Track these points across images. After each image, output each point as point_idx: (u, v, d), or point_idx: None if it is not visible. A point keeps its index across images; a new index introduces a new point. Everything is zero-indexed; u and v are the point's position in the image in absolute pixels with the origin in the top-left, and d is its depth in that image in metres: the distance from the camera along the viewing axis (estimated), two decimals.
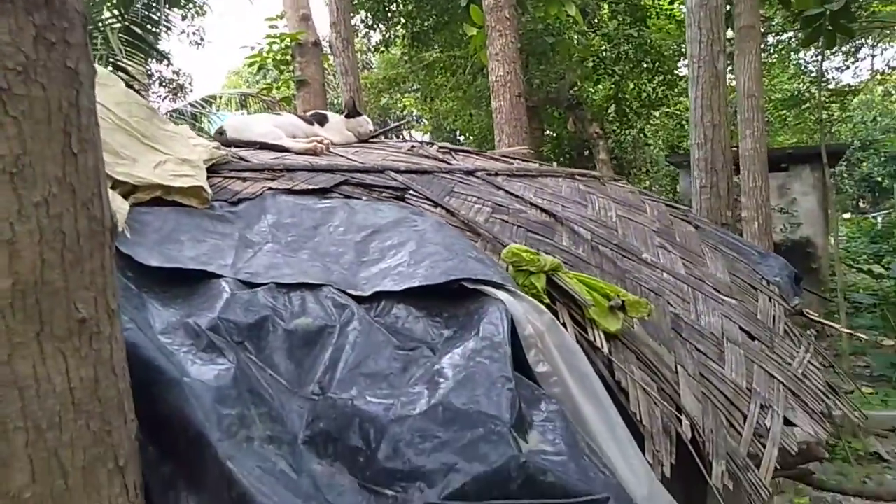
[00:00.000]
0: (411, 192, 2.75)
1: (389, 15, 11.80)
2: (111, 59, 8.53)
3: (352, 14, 12.13)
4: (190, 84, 15.74)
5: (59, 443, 1.04)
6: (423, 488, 1.18)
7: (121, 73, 7.70)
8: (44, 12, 1.05)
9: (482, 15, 7.85)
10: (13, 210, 0.99)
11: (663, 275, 2.98)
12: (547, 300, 2.10)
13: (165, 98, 15.35)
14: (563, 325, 2.07)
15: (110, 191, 1.90)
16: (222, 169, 2.51)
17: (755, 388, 2.70)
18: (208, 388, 1.27)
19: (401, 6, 11.53)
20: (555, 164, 4.24)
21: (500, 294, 1.67)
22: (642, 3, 12.52)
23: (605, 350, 2.05)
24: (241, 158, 2.73)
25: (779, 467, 3.53)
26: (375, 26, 12.46)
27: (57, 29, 1.07)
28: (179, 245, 1.84)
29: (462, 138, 17.10)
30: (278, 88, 9.98)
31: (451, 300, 1.74)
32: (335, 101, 14.04)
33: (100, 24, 8.40)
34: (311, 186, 2.48)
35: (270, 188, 2.39)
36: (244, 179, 2.46)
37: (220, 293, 1.62)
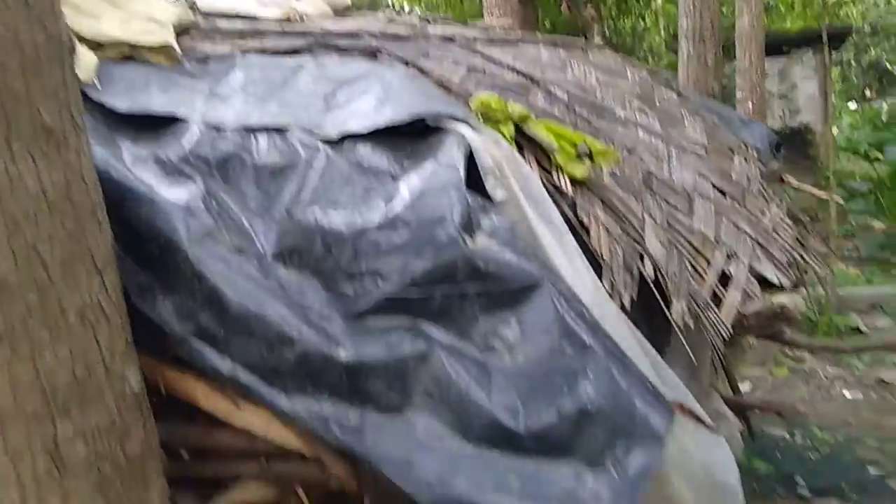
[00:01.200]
0: (384, 53, 2.74)
1: None
2: None
3: None
4: None
5: (37, 237, 1.13)
6: (379, 283, 1.29)
7: None
8: None
9: None
10: None
11: (639, 134, 3.02)
12: (515, 147, 2.15)
13: None
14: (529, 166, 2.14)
15: (77, 43, 1.92)
16: (191, 32, 2.50)
17: (722, 239, 2.80)
18: (178, 206, 1.36)
19: None
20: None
21: (461, 127, 1.73)
22: None
23: (570, 193, 2.13)
24: (211, 24, 2.70)
25: (752, 324, 3.72)
26: None
27: None
28: (149, 95, 1.88)
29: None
30: None
31: (414, 138, 1.80)
32: None
33: None
34: (282, 47, 2.48)
35: (241, 49, 2.39)
36: (213, 41, 2.46)
37: (189, 132, 1.68)
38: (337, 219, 1.44)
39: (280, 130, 1.80)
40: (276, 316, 1.22)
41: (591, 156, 2.30)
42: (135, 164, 1.50)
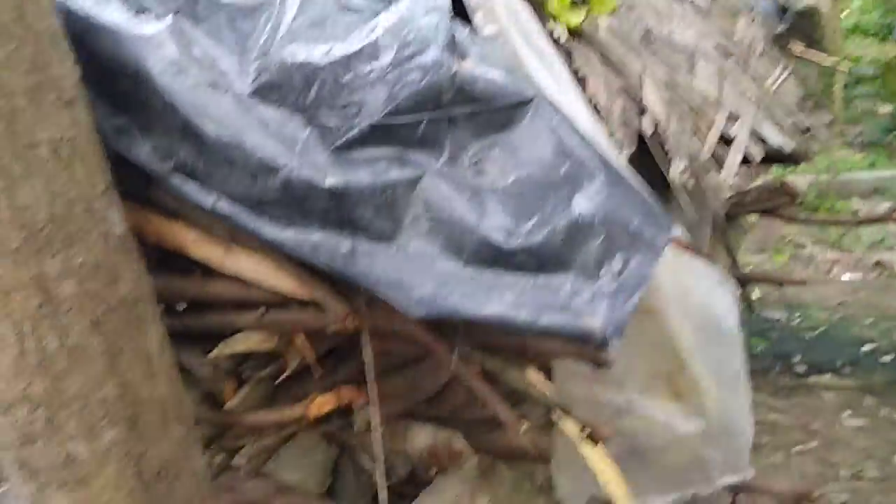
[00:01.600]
0: None
1: None
2: None
3: None
4: None
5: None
6: (362, 112, 1.23)
7: None
8: None
9: None
10: None
11: None
12: None
13: None
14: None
15: None
16: None
17: (724, 100, 2.71)
18: (146, 38, 1.28)
19: None
20: None
21: None
22: None
23: (565, 42, 2.03)
24: None
25: (753, 199, 3.67)
26: None
27: None
28: None
29: None
30: None
31: None
32: None
33: None
34: None
35: None
36: None
37: None
38: (316, 53, 1.36)
39: None
40: (257, 145, 1.16)
41: (587, 3, 2.17)
42: (96, 4, 1.40)
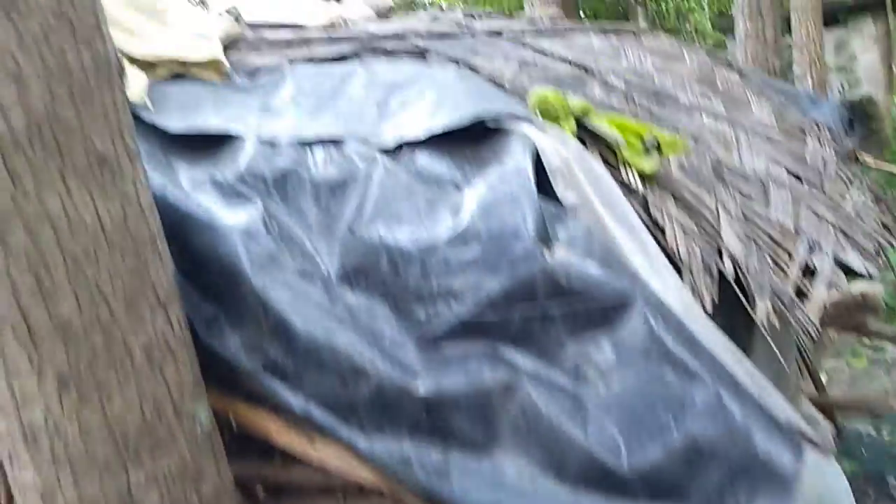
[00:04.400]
0: (433, 52, 2.65)
1: None
2: None
3: None
4: None
5: (99, 277, 1.08)
6: (452, 306, 1.20)
7: None
8: None
9: None
10: (13, 42, 0.99)
11: (703, 120, 2.84)
12: (578, 143, 2.03)
13: None
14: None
15: (128, 65, 1.89)
16: (239, 45, 2.46)
17: (802, 229, 2.61)
18: (238, 230, 1.30)
19: None
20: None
21: (525, 128, 1.62)
22: None
23: (640, 190, 2.00)
24: (258, 35, 2.66)
25: (832, 315, 3.48)
26: None
27: None
28: (202, 113, 1.84)
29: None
30: None
31: (474, 141, 1.70)
32: None
33: None
34: (330, 55, 2.42)
35: (289, 59, 2.34)
36: (261, 53, 2.41)
37: (245, 150, 1.62)
38: (402, 235, 1.36)
39: (336, 142, 1.73)
40: (348, 346, 1.14)
41: (658, 147, 2.15)
42: (192, 187, 1.45)
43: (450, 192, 1.48)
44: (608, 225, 1.51)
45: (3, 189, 1.00)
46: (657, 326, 1.09)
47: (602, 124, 2.10)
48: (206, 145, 1.71)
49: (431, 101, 1.90)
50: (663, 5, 13.85)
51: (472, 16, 3.72)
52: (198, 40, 2.16)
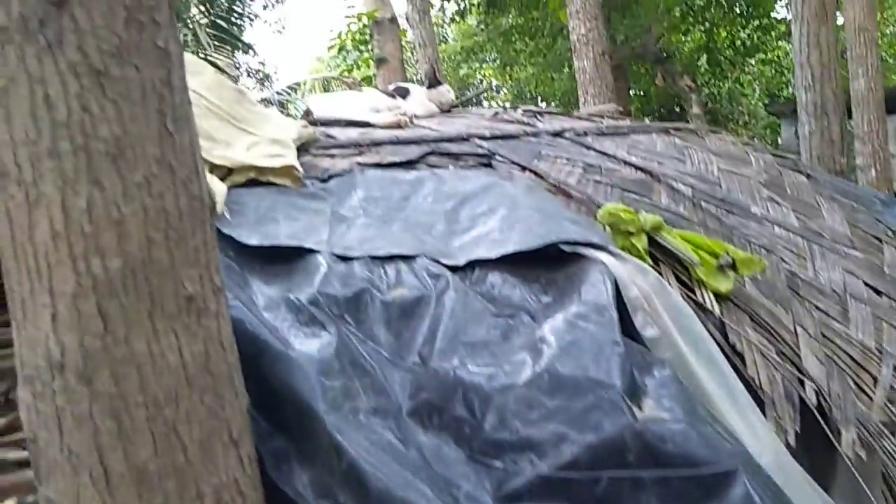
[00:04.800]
0: (498, 157, 2.68)
1: None
2: (201, 55, 8.85)
3: None
4: (276, 73, 16.27)
5: (177, 418, 1.06)
6: (533, 460, 1.13)
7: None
8: None
9: None
10: (118, 192, 1.01)
11: (775, 229, 2.76)
12: (650, 262, 1.99)
13: (253, 88, 15.91)
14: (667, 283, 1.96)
15: (208, 174, 1.95)
16: (311, 147, 2.53)
17: (886, 348, 2.46)
18: (313, 361, 1.28)
19: None
20: (645, 120, 4.01)
21: (601, 255, 1.58)
22: None
23: (717, 312, 1.92)
24: (329, 136, 2.75)
25: None
26: None
27: (145, 9, 1.07)
28: (276, 223, 1.87)
29: (544, 105, 16.69)
30: (358, 68, 10.08)
31: (548, 265, 1.68)
32: (413, 78, 14.03)
33: (188, 21, 8.73)
34: (397, 159, 2.46)
35: (358, 163, 2.39)
36: (332, 156, 2.47)
37: (318, 267, 1.63)
38: (477, 370, 1.31)
39: (406, 258, 1.72)
40: (423, 501, 1.08)
41: (733, 266, 2.08)
42: (267, 308, 1.45)
43: (525, 324, 1.44)
44: (690, 362, 1.44)
45: (93, 332, 1.01)
46: (758, 498, 1.00)
47: (675, 241, 2.05)
48: (281, 258, 1.73)
49: (502, 217, 1.89)
50: (715, 89, 13.96)
51: (533, 113, 3.78)
52: (274, 147, 2.23)
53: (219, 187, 1.91)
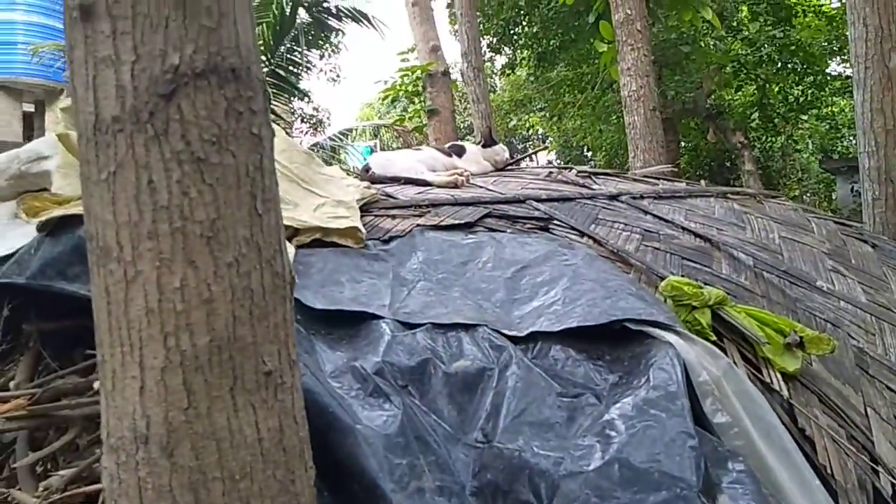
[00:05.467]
0: (555, 221, 2.69)
1: (515, 38, 11.86)
2: None
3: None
4: (328, 118, 16.76)
5: (250, 492, 1.08)
6: None
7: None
8: (232, 85, 1.12)
9: (612, 30, 7.66)
10: (210, 272, 1.06)
11: (840, 303, 2.68)
12: (713, 337, 1.95)
13: (307, 133, 16.44)
14: (734, 364, 1.91)
15: None
16: (373, 207, 2.60)
17: None
18: (379, 436, 1.29)
19: (526, 28, 11.55)
20: (702, 182, 3.93)
21: (668, 336, 1.56)
22: (787, 1, 11.62)
23: (785, 393, 1.86)
24: (389, 196, 2.81)
25: None
26: (501, 49, 12.56)
27: (243, 99, 1.14)
28: (340, 286, 1.91)
29: (590, 154, 16.73)
30: (410, 119, 10.33)
31: (612, 342, 1.66)
32: (462, 126, 14.30)
33: None
34: (456, 221, 2.50)
35: (419, 225, 2.43)
36: (393, 217, 2.53)
37: (382, 335, 1.65)
38: (542, 454, 1.30)
39: (467, 327, 1.73)
40: None
41: (801, 344, 2.02)
42: (333, 376, 1.47)
43: (591, 405, 1.43)
44: (763, 453, 1.40)
45: (178, 407, 1.04)
46: None
47: (741, 318, 2.01)
48: (345, 322, 1.76)
49: (564, 288, 1.89)
50: (768, 145, 13.77)
51: (588, 174, 3.80)
52: (338, 208, 2.29)
53: (288, 247, 1.97)
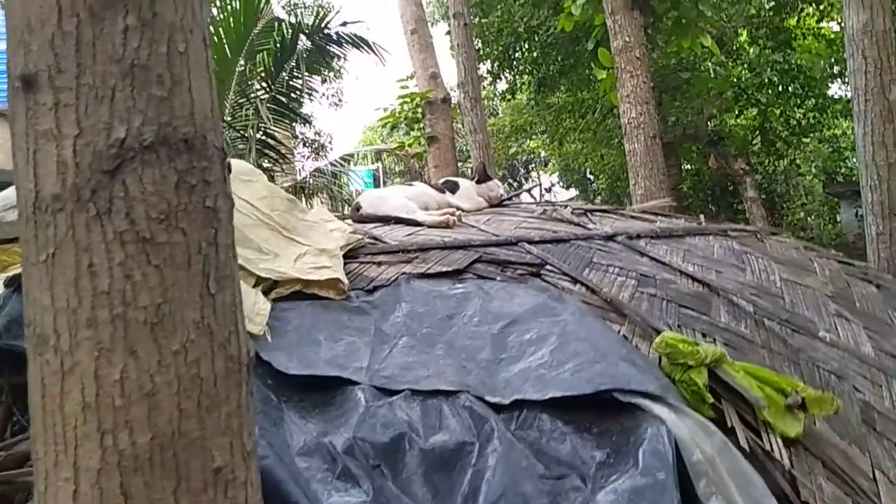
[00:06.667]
0: (548, 266, 2.60)
1: (515, 63, 11.88)
2: (261, 127, 9.20)
3: (478, 64, 12.37)
4: (330, 143, 16.79)
5: None
6: None
7: (269, 139, 8.24)
8: (185, 156, 1.04)
9: (611, 57, 7.64)
10: (154, 361, 0.97)
11: (844, 352, 2.57)
12: (710, 399, 1.85)
13: (308, 157, 16.46)
14: (732, 428, 1.81)
15: (253, 291, 1.94)
16: (359, 253, 2.52)
17: None
18: None
19: (526, 54, 11.57)
20: (701, 217, 3.81)
21: (660, 409, 1.47)
22: (786, 24, 11.63)
23: (786, 462, 1.75)
24: (376, 239, 2.73)
25: None
26: (501, 75, 12.59)
27: (197, 171, 1.06)
28: (317, 345, 1.83)
29: (592, 177, 16.69)
30: (409, 145, 10.31)
31: (601, 410, 1.57)
32: (465, 149, 14.30)
33: (251, 97, 9.11)
34: (444, 268, 2.42)
35: (405, 273, 2.35)
36: (379, 264, 2.45)
37: (356, 404, 1.57)
38: None
39: (449, 393, 1.64)
40: None
41: (803, 405, 1.92)
42: (301, 454, 1.38)
43: (576, 488, 1.33)
44: None
45: None
46: None
47: (739, 377, 1.91)
48: (319, 387, 1.68)
49: (552, 349, 1.80)
50: (771, 168, 13.69)
51: (584, 211, 3.72)
52: (320, 257, 2.22)
53: (262, 305, 1.89)
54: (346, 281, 2.17)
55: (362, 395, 1.60)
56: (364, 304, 2.14)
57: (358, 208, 3.33)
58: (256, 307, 1.86)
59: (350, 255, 2.48)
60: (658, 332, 2.13)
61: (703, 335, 2.34)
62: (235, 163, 2.46)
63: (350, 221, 3.36)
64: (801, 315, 2.75)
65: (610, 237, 3.09)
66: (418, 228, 3.05)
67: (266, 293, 2.04)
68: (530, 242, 2.83)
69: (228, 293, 1.11)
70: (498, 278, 2.40)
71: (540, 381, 1.66)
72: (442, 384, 1.67)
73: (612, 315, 2.28)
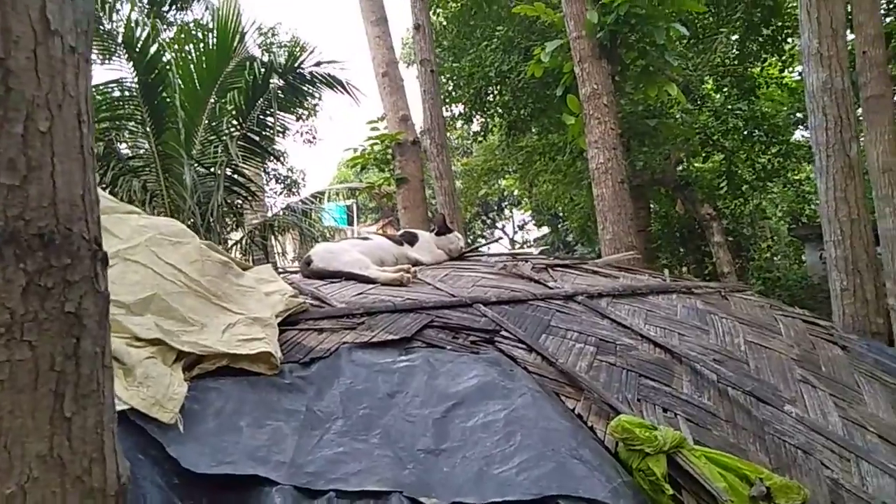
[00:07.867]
0: (503, 332, 2.46)
1: (486, 106, 11.93)
2: (231, 164, 9.01)
3: (451, 106, 12.40)
4: (303, 179, 16.65)
5: None
6: None
7: (238, 176, 8.01)
8: (38, 255, 0.88)
9: (579, 103, 7.68)
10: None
11: (811, 422, 2.45)
12: (670, 491, 1.70)
13: (281, 193, 16.26)
14: None
15: (168, 372, 1.75)
16: (299, 318, 2.34)
17: None
18: None
19: (497, 97, 11.63)
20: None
21: None
22: (750, 73, 11.91)
23: None
24: (321, 301, 2.57)
25: None
26: (473, 117, 12.63)
27: (55, 270, 0.90)
28: (237, 434, 1.64)
29: (563, 215, 16.73)
30: (380, 185, 10.20)
31: None
32: (434, 190, 14.24)
33: (221, 134, 8.93)
34: (391, 336, 2.25)
35: (346, 342, 2.18)
36: (320, 331, 2.27)
37: None
38: None
39: (379, 494, 1.47)
40: None
41: (768, 495, 1.78)
42: None
43: None
44: None
45: None
46: None
47: (699, 464, 1.77)
48: (234, 486, 1.49)
49: (498, 438, 1.64)
50: (738, 211, 13.86)
51: (545, 266, 3.60)
52: (252, 327, 2.04)
53: (178, 388, 1.70)
54: (278, 354, 2.00)
55: (280, 499, 1.41)
56: (298, 381, 1.96)
57: (309, 262, 3.17)
58: (170, 391, 1.67)
59: (290, 319, 2.31)
60: (616, 411, 2.00)
61: (665, 409, 2.20)
62: (165, 223, 2.29)
63: (301, 276, 3.20)
64: (766, 383, 2.63)
65: (570, 296, 2.97)
66: (370, 287, 2.89)
67: (189, 368, 1.86)
68: (486, 304, 2.69)
69: (93, 413, 0.94)
70: (448, 347, 2.25)
71: (482, 480, 1.50)
72: (372, 483, 1.49)
73: (567, 389, 2.14)
